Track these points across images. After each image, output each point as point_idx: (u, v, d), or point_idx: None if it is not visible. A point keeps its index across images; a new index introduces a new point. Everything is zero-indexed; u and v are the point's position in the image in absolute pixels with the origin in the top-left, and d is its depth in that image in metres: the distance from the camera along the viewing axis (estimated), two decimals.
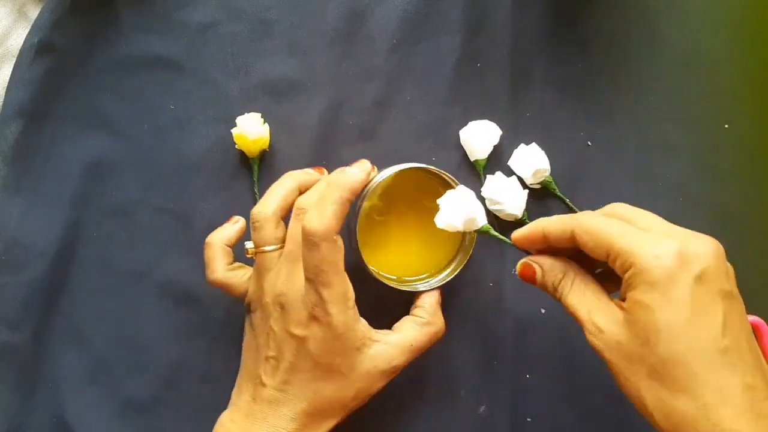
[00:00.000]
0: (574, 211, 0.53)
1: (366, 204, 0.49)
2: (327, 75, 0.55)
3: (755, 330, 0.52)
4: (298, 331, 0.42)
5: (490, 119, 0.53)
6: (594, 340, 0.39)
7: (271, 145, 0.54)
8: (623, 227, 0.39)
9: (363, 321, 0.44)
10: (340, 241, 0.42)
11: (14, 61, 0.54)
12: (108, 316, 0.53)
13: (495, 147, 0.53)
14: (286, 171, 0.53)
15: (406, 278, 0.50)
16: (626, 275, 0.38)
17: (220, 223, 0.53)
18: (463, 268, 0.49)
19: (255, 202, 0.53)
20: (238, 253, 0.49)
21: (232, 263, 0.48)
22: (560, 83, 0.54)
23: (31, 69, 0.53)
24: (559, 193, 0.53)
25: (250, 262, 0.48)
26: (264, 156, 0.54)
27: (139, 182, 0.54)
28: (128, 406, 0.52)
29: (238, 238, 0.49)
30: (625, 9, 0.55)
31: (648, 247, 0.37)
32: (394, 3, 0.55)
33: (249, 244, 0.46)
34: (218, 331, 0.53)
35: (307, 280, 0.42)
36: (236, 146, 0.53)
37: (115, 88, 0.55)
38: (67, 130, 0.54)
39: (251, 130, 0.52)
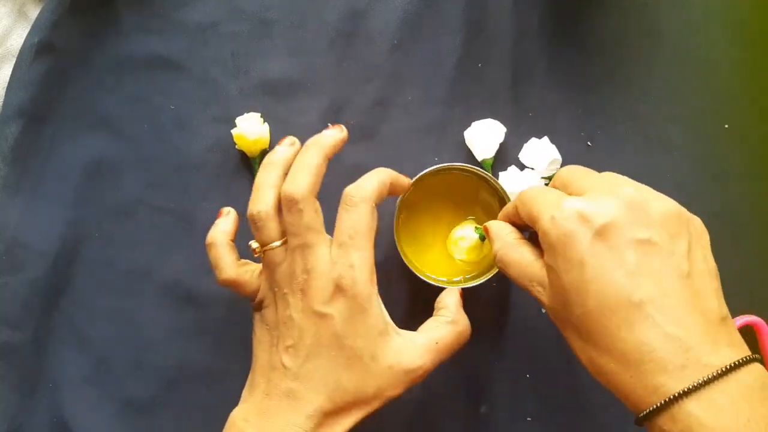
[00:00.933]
0: None
1: (403, 204, 0.49)
2: (327, 75, 0.55)
3: (755, 329, 0.52)
4: (322, 308, 0.41)
5: (491, 119, 0.53)
6: (541, 304, 0.40)
7: (271, 145, 0.54)
8: (547, 194, 0.40)
9: (384, 309, 0.43)
10: (376, 213, 0.42)
11: (14, 61, 0.54)
12: (108, 316, 0.53)
13: (500, 145, 0.53)
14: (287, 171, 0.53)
15: (444, 278, 0.50)
16: (539, 240, 0.39)
17: None
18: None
19: None
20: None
21: (239, 259, 0.46)
22: (561, 83, 0.54)
23: (31, 69, 0.53)
24: None
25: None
26: (264, 156, 0.54)
27: (139, 182, 0.54)
28: (128, 406, 0.52)
29: (237, 229, 0.48)
30: (625, 9, 0.55)
31: (548, 211, 0.37)
32: (394, 3, 0.55)
33: (254, 244, 0.45)
34: (218, 331, 0.53)
35: (339, 245, 0.41)
36: (236, 146, 0.53)
37: (115, 88, 0.55)
38: (67, 130, 0.54)
39: (251, 130, 0.52)
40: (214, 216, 0.53)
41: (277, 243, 0.43)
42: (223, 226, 0.47)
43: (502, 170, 0.53)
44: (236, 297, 0.53)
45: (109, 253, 0.54)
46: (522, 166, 0.53)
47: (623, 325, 0.35)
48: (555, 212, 0.37)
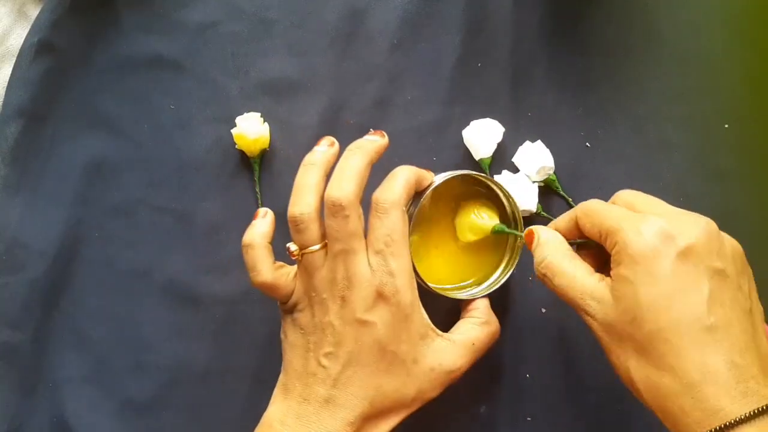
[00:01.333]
0: None
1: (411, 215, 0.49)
2: (327, 75, 0.55)
3: None
4: (364, 316, 0.41)
5: (491, 119, 0.53)
6: (587, 318, 0.39)
7: (271, 145, 0.54)
8: (616, 209, 0.40)
9: (424, 311, 0.43)
10: (406, 216, 0.43)
11: (14, 61, 0.54)
12: (108, 316, 0.53)
13: (498, 145, 0.53)
14: (287, 171, 0.53)
15: (451, 286, 0.50)
16: (613, 252, 0.38)
17: (221, 223, 0.53)
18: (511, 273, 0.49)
19: (256, 202, 0.53)
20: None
21: (274, 262, 0.45)
22: (561, 83, 0.54)
23: (31, 69, 0.53)
24: (561, 192, 0.53)
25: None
26: (264, 156, 0.54)
27: (139, 182, 0.54)
28: (128, 406, 0.52)
29: (274, 230, 0.46)
30: (625, 9, 0.55)
31: (632, 224, 0.38)
32: (394, 3, 0.55)
33: (293, 246, 0.43)
34: (218, 331, 0.53)
35: (377, 253, 0.41)
36: (236, 146, 0.53)
37: (115, 88, 0.55)
38: (67, 130, 0.54)
39: (251, 130, 0.52)
40: (215, 216, 0.54)
41: (317, 246, 0.43)
42: (261, 228, 0.46)
43: (498, 171, 0.53)
44: (236, 297, 0.53)
45: (109, 253, 0.54)
46: (515, 169, 0.53)
47: (693, 346, 0.35)
48: (640, 226, 0.37)
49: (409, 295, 0.41)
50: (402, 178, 0.43)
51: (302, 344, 0.43)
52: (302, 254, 0.43)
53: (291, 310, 0.45)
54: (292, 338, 0.44)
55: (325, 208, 0.42)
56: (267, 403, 0.52)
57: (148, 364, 0.53)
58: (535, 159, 0.52)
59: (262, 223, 0.46)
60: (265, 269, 0.44)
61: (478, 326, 0.45)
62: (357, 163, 0.43)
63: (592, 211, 0.41)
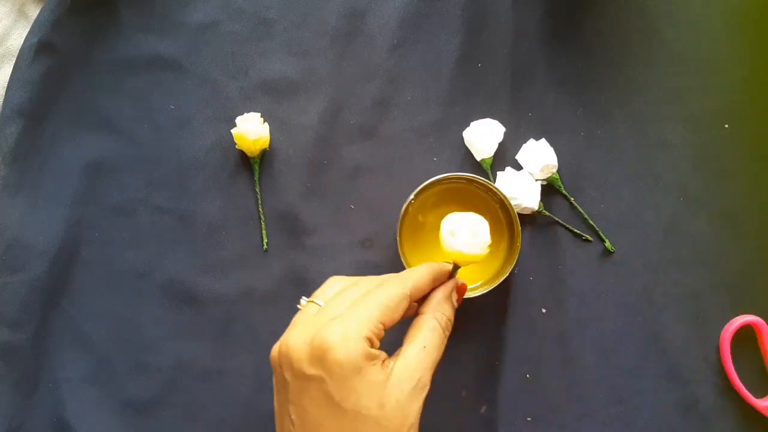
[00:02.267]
0: (578, 210, 0.53)
1: (409, 213, 0.49)
2: (327, 75, 0.55)
3: (755, 329, 0.52)
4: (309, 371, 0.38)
5: (491, 119, 0.53)
6: None
7: (271, 145, 0.54)
8: None
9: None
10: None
11: (14, 61, 0.54)
12: (109, 316, 0.53)
13: (499, 145, 0.53)
14: (287, 171, 0.54)
15: None
16: None
17: (221, 223, 0.54)
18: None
19: (256, 202, 0.53)
20: None
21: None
22: (561, 83, 0.54)
23: (31, 69, 0.53)
24: (564, 191, 0.53)
25: None
26: (264, 156, 0.54)
27: (139, 182, 0.54)
28: (129, 406, 0.52)
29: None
30: (625, 9, 0.55)
31: None
32: (394, 3, 0.55)
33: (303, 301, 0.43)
34: (218, 331, 0.53)
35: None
36: (236, 146, 0.53)
37: (115, 88, 0.55)
38: (67, 130, 0.54)
39: (251, 130, 0.52)
40: (215, 216, 0.54)
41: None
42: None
43: (500, 170, 0.53)
44: (236, 297, 0.53)
45: (109, 253, 0.54)
46: (519, 167, 0.53)
47: None
48: None
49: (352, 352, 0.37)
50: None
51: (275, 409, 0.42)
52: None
53: None
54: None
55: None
56: (267, 403, 0.52)
57: (148, 364, 0.53)
58: (539, 157, 0.52)
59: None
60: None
61: (425, 325, 0.41)
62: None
63: None
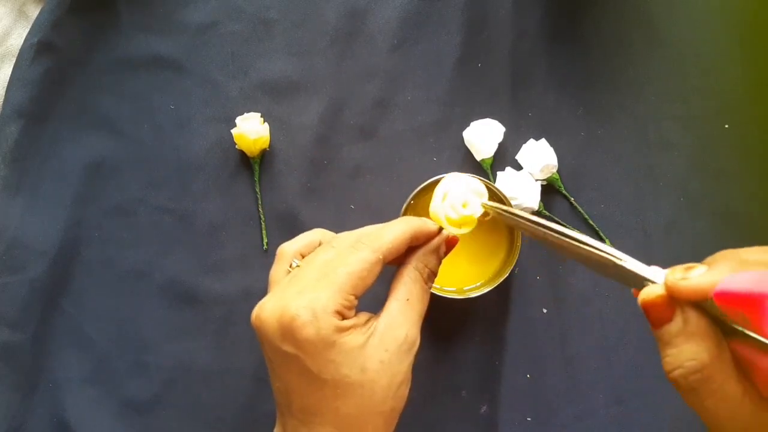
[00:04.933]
0: (578, 210, 0.53)
1: (407, 214, 0.49)
2: (327, 75, 0.55)
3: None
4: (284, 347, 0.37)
5: (491, 119, 0.53)
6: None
7: (271, 145, 0.54)
8: None
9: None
10: (378, 262, 0.38)
11: (14, 61, 0.54)
12: (108, 316, 0.53)
13: (498, 145, 0.53)
14: (287, 171, 0.54)
15: (452, 287, 0.50)
16: None
17: (221, 223, 0.54)
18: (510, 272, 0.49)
19: (256, 202, 0.53)
20: None
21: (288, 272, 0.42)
22: (561, 83, 0.54)
23: (31, 69, 0.53)
24: (564, 191, 0.53)
25: None
26: (264, 156, 0.54)
27: (139, 182, 0.54)
28: (128, 406, 0.52)
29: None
30: (625, 9, 0.55)
31: None
32: (394, 3, 0.55)
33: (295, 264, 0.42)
34: (218, 331, 0.53)
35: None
36: (236, 146, 0.53)
37: (115, 88, 0.55)
38: (67, 130, 0.54)
39: (251, 130, 0.52)
40: (215, 216, 0.54)
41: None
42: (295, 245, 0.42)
43: (500, 170, 0.53)
44: (236, 297, 0.53)
45: (109, 253, 0.54)
46: (519, 167, 0.53)
47: None
48: None
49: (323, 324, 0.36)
50: (397, 230, 0.39)
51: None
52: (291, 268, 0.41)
53: None
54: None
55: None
56: (267, 403, 0.52)
57: (148, 364, 0.53)
58: (539, 157, 0.52)
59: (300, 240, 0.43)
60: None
61: (406, 275, 0.39)
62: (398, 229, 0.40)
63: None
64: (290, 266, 0.41)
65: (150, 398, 0.52)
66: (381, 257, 0.38)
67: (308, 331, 0.36)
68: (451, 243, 0.42)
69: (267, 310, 0.37)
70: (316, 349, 0.36)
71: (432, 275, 0.40)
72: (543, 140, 0.53)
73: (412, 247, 0.40)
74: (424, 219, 0.41)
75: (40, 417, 0.52)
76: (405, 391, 0.38)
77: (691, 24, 0.55)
